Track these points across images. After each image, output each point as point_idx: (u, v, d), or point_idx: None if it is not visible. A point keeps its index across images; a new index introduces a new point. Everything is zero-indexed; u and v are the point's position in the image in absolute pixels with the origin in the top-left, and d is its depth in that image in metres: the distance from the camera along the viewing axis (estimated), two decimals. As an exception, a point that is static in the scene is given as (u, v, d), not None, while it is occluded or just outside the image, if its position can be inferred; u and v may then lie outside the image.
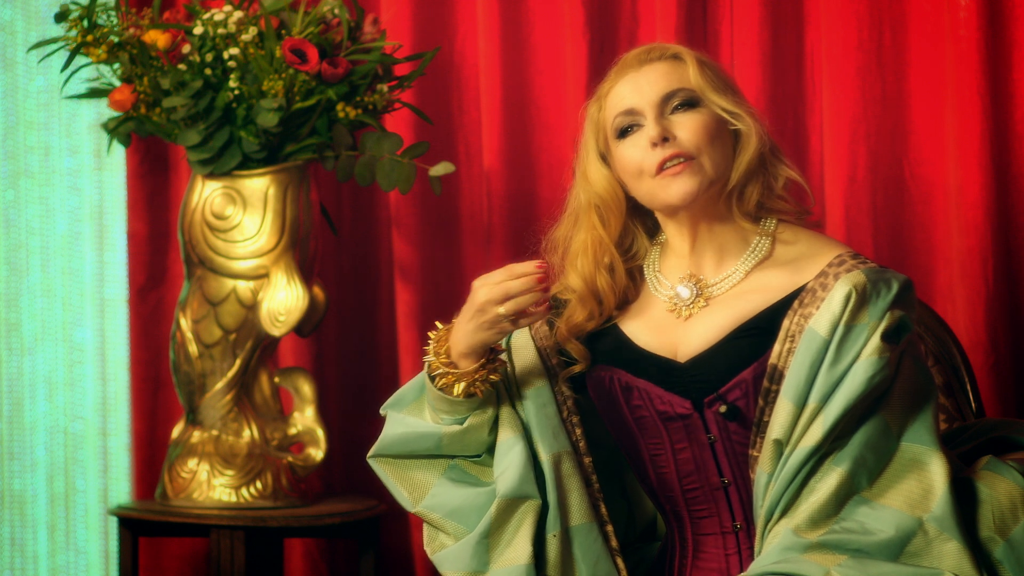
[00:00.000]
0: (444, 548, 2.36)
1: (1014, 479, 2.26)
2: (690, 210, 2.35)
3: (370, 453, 2.43)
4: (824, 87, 3.37)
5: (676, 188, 2.31)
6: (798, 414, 2.21)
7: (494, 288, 2.27)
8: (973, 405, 2.70)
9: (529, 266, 2.27)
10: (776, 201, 2.38)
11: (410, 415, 2.41)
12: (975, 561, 2.16)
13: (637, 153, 2.33)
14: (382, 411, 2.45)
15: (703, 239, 2.38)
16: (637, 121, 2.34)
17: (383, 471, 2.42)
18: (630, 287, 2.44)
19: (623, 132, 2.36)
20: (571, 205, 2.45)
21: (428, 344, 2.37)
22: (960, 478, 2.26)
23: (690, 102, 2.34)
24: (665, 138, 2.31)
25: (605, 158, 2.41)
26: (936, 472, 2.19)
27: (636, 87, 2.35)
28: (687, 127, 2.32)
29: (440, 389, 2.34)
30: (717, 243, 2.37)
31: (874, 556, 2.16)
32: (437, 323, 2.38)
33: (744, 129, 2.35)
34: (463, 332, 2.31)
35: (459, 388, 2.33)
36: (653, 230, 2.46)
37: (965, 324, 3.23)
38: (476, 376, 2.33)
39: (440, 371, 2.33)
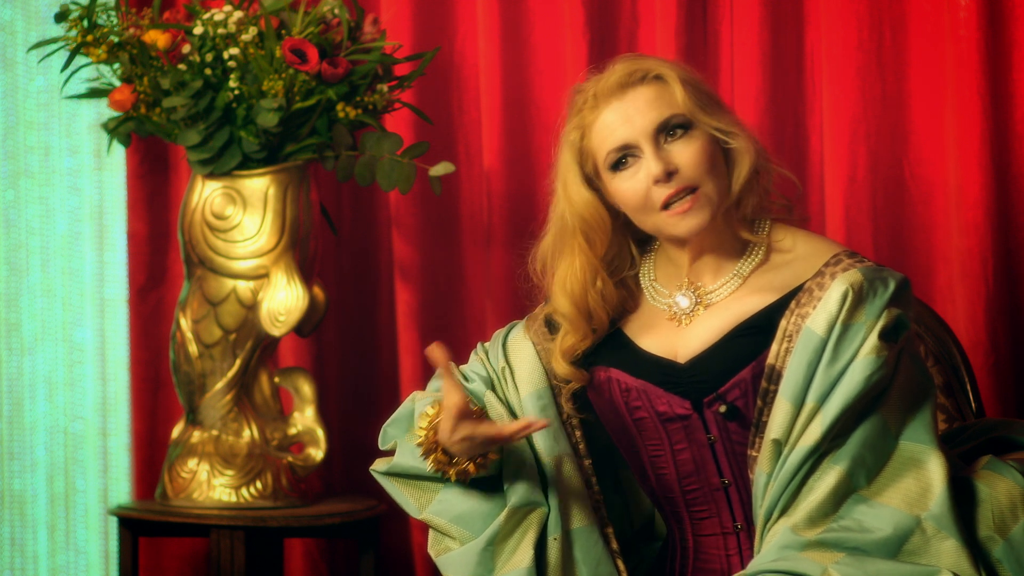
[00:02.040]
0: (449, 552, 2.36)
1: (1014, 479, 2.26)
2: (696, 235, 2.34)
3: (378, 469, 2.42)
4: (824, 87, 3.37)
5: (687, 224, 2.29)
6: (796, 414, 2.20)
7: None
8: (973, 405, 2.70)
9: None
10: (768, 201, 2.38)
11: (411, 441, 2.39)
12: (973, 559, 2.15)
13: (639, 187, 2.31)
14: (388, 445, 2.44)
15: (703, 253, 2.37)
16: (632, 152, 2.31)
17: (388, 482, 2.41)
18: (627, 298, 2.43)
19: (618, 165, 2.33)
20: (554, 226, 2.42)
21: (418, 424, 2.35)
22: (960, 477, 2.25)
23: (684, 127, 2.31)
24: (669, 172, 2.29)
25: (590, 181, 2.38)
26: (934, 471, 2.18)
27: (625, 117, 2.31)
28: (687, 156, 2.29)
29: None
30: (715, 253, 2.37)
31: (872, 554, 2.15)
32: (428, 410, 2.35)
33: (738, 147, 2.33)
34: (448, 441, 2.29)
35: (452, 473, 2.32)
36: (644, 239, 2.44)
37: (965, 324, 3.23)
38: (468, 465, 2.32)
39: (431, 457, 2.32)
